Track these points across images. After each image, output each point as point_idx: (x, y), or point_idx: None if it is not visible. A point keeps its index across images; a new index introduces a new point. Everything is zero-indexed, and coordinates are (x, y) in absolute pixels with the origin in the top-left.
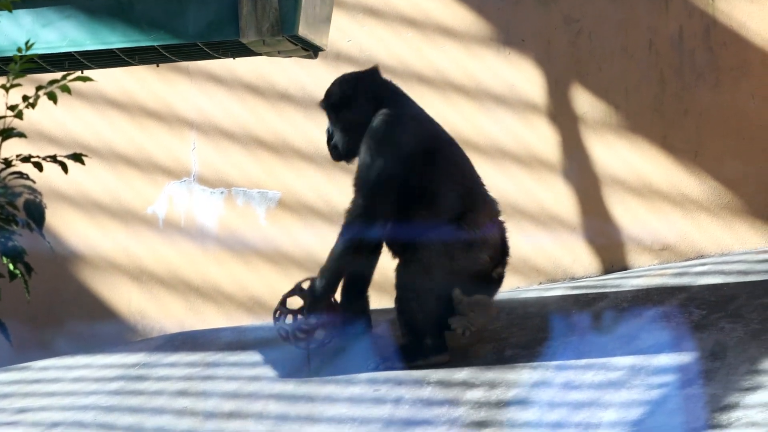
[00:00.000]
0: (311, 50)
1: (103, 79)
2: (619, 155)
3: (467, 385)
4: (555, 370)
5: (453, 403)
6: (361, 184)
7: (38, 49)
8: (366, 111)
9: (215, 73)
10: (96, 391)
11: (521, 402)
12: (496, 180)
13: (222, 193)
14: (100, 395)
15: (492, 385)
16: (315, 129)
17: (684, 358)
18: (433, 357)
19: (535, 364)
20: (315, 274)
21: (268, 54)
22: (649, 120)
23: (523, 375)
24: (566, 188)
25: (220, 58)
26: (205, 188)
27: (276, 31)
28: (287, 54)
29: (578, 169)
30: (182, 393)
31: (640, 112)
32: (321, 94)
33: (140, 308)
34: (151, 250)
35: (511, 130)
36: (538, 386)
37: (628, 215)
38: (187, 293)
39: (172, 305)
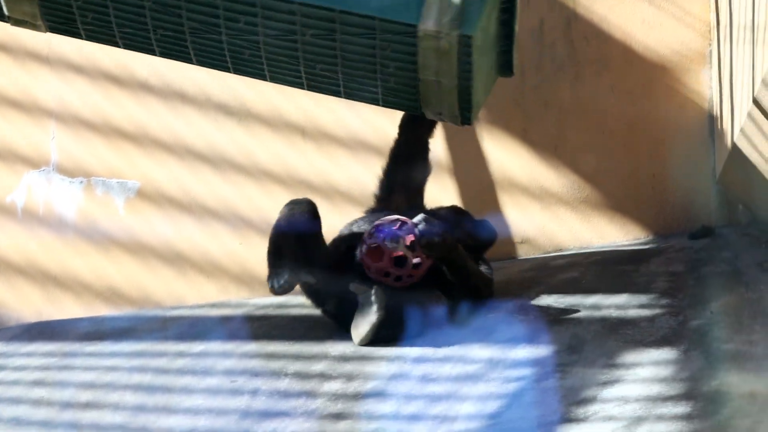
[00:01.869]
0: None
1: None
2: (479, 148)
3: (324, 377)
4: (413, 363)
5: (310, 395)
6: None
7: None
8: None
9: (75, 62)
10: None
11: (378, 394)
12: (354, 170)
13: (81, 182)
14: None
15: (349, 377)
16: (175, 119)
17: (541, 351)
18: None
19: (393, 356)
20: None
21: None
22: (510, 113)
23: (381, 368)
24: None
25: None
26: (65, 178)
27: (454, 26)
28: (437, 111)
29: (437, 162)
30: (39, 383)
31: (500, 105)
32: (182, 84)
33: None
34: (10, 240)
35: (370, 122)
36: (396, 379)
37: (487, 208)
38: (45, 283)
39: (30, 295)
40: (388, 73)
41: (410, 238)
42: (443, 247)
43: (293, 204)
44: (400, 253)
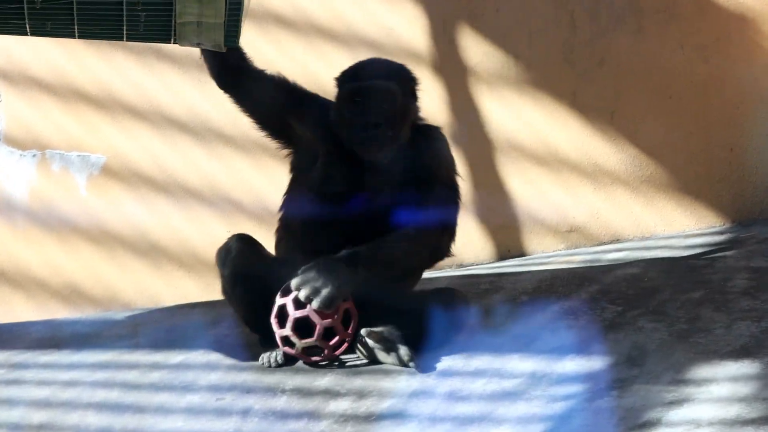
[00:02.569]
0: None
1: None
2: (520, 115)
3: (331, 393)
4: (438, 377)
5: (313, 415)
6: None
7: None
8: None
9: None
10: None
11: (396, 415)
12: None
13: (34, 156)
14: None
15: (361, 394)
16: (149, 79)
17: (594, 364)
18: None
19: (414, 369)
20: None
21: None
22: (557, 72)
23: (400, 382)
24: (454, 154)
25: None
26: (14, 150)
27: None
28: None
29: (468, 131)
30: None
31: (545, 63)
32: None
33: None
34: None
35: None
36: (418, 396)
37: (529, 189)
38: None
39: None
40: (136, 21)
41: (297, 317)
42: (338, 298)
43: (227, 250)
44: (309, 343)
